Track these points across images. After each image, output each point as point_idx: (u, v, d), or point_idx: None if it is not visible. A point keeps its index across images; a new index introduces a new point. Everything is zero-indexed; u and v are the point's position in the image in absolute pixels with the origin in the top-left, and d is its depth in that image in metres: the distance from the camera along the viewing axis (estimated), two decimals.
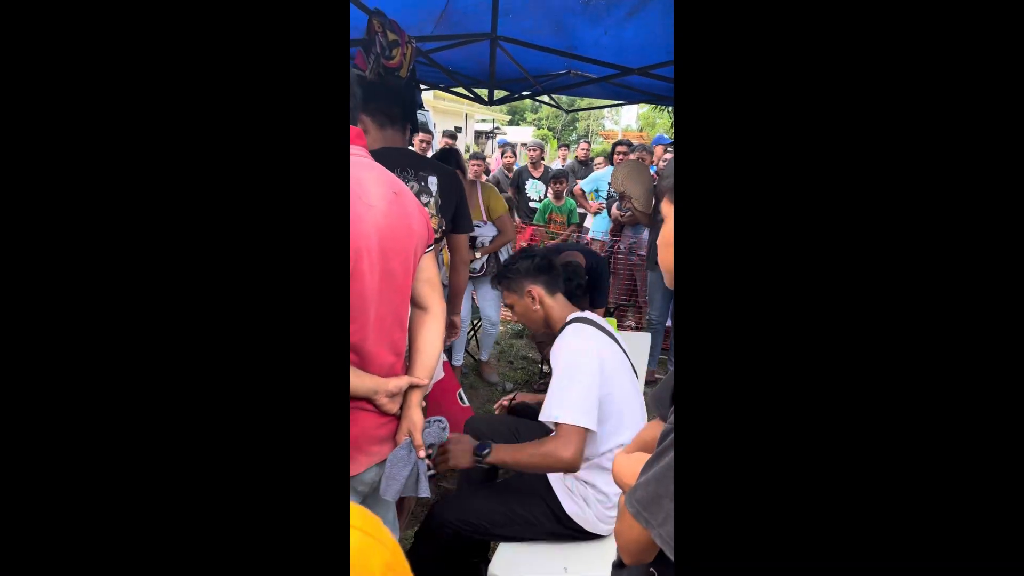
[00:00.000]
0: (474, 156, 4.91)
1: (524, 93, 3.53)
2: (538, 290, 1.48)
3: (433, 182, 1.65)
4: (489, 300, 3.09)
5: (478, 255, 2.82)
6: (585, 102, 4.46)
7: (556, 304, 1.49)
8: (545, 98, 3.69)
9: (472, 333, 3.47)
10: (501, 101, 3.31)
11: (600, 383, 1.30)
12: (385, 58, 1.76)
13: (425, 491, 1.04)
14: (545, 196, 4.77)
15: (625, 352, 1.46)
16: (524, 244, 4.70)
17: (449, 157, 2.74)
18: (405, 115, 1.59)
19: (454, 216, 1.75)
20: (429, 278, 1.21)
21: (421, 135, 4.42)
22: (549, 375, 3.12)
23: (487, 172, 5.20)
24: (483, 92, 3.41)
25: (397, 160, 1.55)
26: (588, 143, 6.07)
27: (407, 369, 1.17)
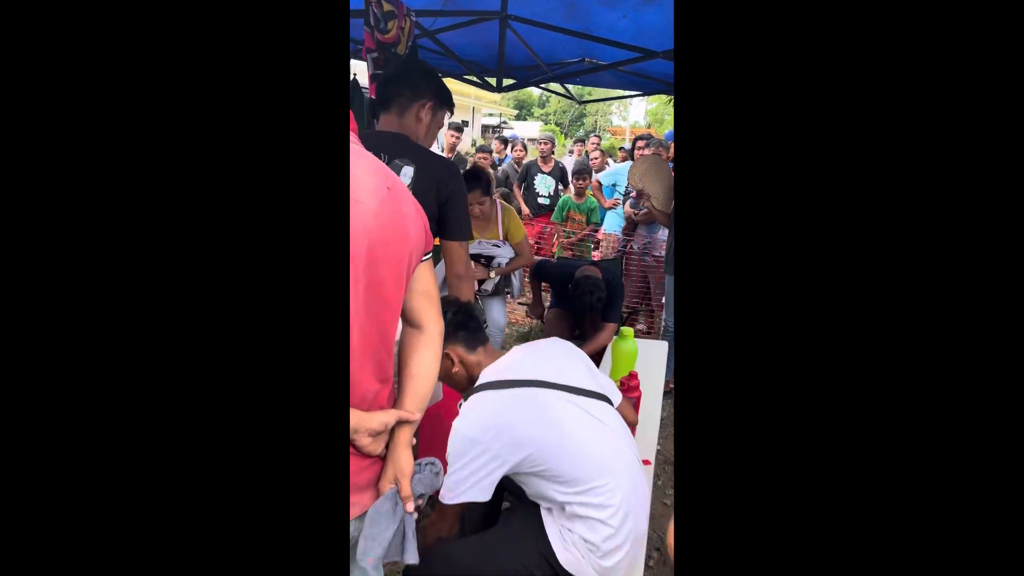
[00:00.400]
0: (480, 149, 4.72)
1: (544, 87, 3.31)
2: (457, 351, 1.27)
3: (408, 173, 1.37)
4: (495, 305, 2.90)
5: (493, 274, 2.67)
6: (600, 92, 4.23)
7: (479, 358, 1.29)
8: (555, 87, 3.46)
9: None
10: (510, 88, 3.10)
11: (508, 451, 1.13)
12: (380, 32, 1.56)
13: (413, 556, 0.84)
14: (555, 191, 4.57)
15: (580, 389, 1.25)
16: (533, 241, 4.51)
17: (479, 178, 2.55)
18: (403, 95, 1.37)
19: (442, 219, 1.44)
20: (426, 290, 1.01)
21: None
22: None
23: (495, 166, 5.00)
24: (491, 81, 3.20)
25: (371, 144, 1.36)
26: (599, 138, 5.86)
27: (395, 399, 0.98)
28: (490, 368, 1.25)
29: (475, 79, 2.83)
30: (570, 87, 3.77)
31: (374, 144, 1.33)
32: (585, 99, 4.32)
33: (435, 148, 4.40)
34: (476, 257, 2.67)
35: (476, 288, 2.68)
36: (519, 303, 4.15)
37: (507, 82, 3.10)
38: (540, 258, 3.29)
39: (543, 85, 3.44)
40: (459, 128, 5.07)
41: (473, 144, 7.90)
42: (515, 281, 2.91)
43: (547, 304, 3.03)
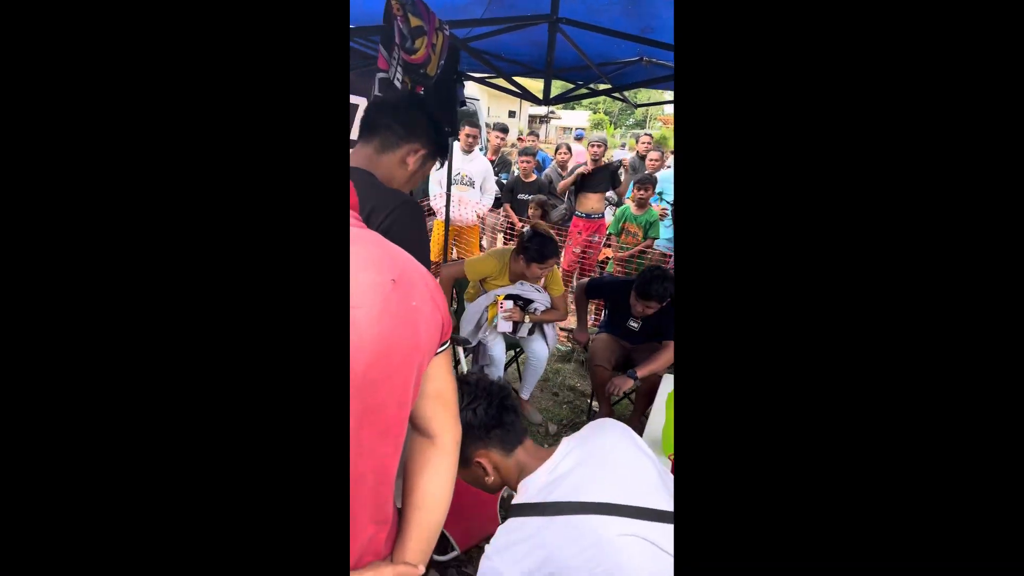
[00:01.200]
0: (523, 152, 4.46)
1: (592, 87, 3.02)
2: (491, 456, 0.99)
3: None
4: (535, 341, 2.70)
5: (527, 319, 2.54)
6: (656, 95, 3.89)
7: (519, 460, 0.99)
8: (606, 87, 3.15)
9: (513, 363, 3.06)
10: (558, 100, 2.82)
11: None
12: (406, 51, 1.34)
13: None
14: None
15: (651, 512, 0.94)
16: (577, 251, 4.25)
17: (553, 242, 2.38)
18: (394, 130, 1.12)
19: None
20: (439, 392, 0.79)
21: (467, 128, 4.01)
22: (598, 415, 2.72)
23: (539, 169, 4.74)
24: (535, 83, 2.94)
25: None
26: (650, 137, 5.48)
27: (395, 538, 0.77)
28: (537, 476, 0.96)
29: (517, 90, 2.58)
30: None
31: None
32: (640, 103, 3.96)
33: (474, 153, 4.13)
34: (515, 298, 2.53)
35: (511, 330, 2.54)
36: (563, 330, 3.91)
37: (557, 86, 2.83)
38: (588, 278, 3.07)
39: (593, 88, 3.14)
40: (504, 129, 4.83)
41: (520, 134, 7.60)
42: (550, 332, 2.73)
43: (592, 336, 2.79)
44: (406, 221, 1.08)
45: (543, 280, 2.56)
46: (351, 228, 0.70)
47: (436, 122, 1.15)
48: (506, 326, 2.44)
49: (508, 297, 2.44)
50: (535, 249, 2.33)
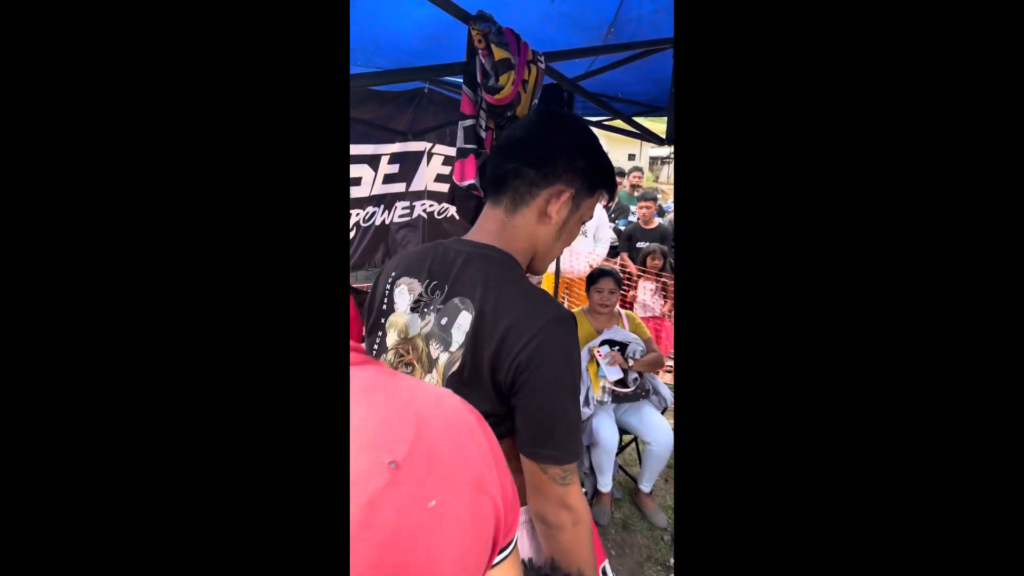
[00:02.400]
0: (643, 198, 4.06)
1: None
2: None
3: (462, 323, 0.73)
4: (656, 420, 2.26)
5: (631, 363, 2.32)
6: None
7: None
8: None
9: (631, 444, 2.59)
10: None
11: None
12: (488, 91, 1.07)
13: None
14: None
15: None
16: None
17: (594, 271, 2.45)
18: (522, 176, 0.79)
19: (515, 412, 0.71)
20: None
21: None
22: None
23: (661, 214, 4.30)
24: (657, 123, 2.58)
25: (416, 262, 0.81)
26: None
27: None
28: None
29: (636, 131, 2.25)
30: None
31: (420, 261, 0.80)
32: None
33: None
34: (611, 343, 2.32)
35: (610, 385, 2.25)
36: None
37: None
38: None
39: None
40: (620, 173, 4.50)
41: (643, 175, 7.20)
42: (664, 391, 2.42)
43: None
44: (553, 352, 0.69)
45: (628, 325, 2.46)
46: (353, 366, 0.43)
47: (578, 134, 0.80)
48: (615, 372, 2.29)
49: (603, 344, 2.38)
50: (590, 277, 2.46)
